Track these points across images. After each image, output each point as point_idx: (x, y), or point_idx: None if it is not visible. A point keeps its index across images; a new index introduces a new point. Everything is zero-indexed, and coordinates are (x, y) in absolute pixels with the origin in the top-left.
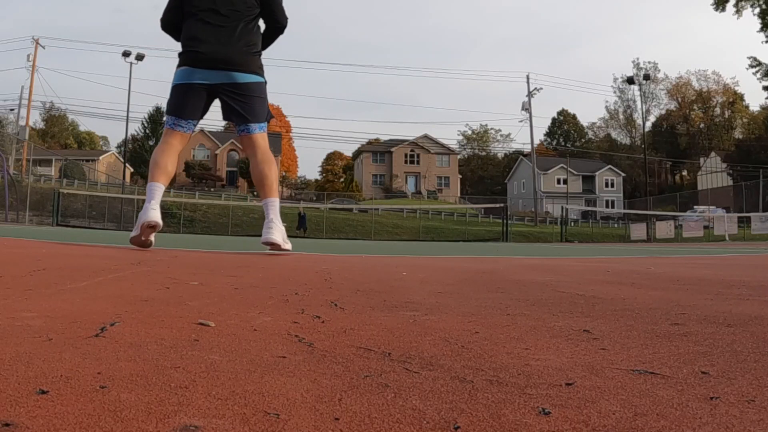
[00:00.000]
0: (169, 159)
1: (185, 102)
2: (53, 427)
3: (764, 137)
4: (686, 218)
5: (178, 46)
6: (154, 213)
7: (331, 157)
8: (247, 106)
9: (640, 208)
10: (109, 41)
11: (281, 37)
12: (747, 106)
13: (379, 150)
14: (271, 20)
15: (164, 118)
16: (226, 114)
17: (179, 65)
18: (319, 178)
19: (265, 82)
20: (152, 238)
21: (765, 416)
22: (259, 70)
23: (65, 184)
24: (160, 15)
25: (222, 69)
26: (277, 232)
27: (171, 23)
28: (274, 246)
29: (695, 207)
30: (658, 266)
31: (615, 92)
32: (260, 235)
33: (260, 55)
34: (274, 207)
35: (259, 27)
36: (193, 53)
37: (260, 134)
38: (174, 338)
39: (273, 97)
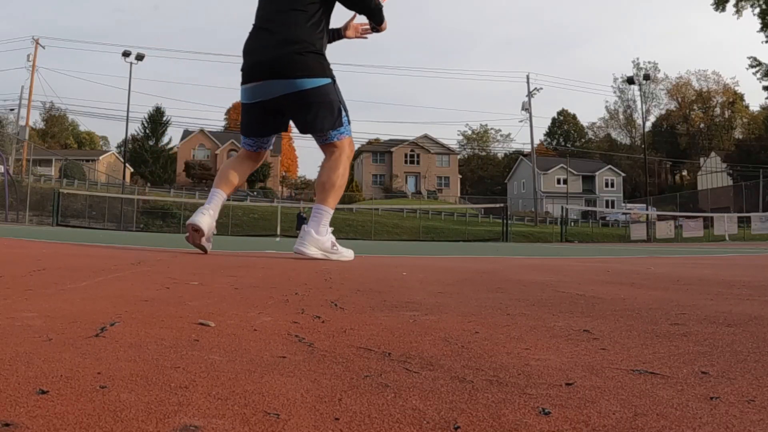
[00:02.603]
0: (234, 170)
1: (246, 120)
2: (53, 427)
3: (764, 137)
4: (613, 215)
5: (178, 46)
6: (198, 216)
7: None
8: (309, 116)
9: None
10: (109, 41)
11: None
12: (747, 106)
13: (379, 150)
14: (351, 3)
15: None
16: (298, 125)
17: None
18: None
19: (330, 82)
20: (205, 244)
21: (765, 416)
22: (315, 72)
23: (65, 184)
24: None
25: (268, 79)
26: (309, 242)
27: None
28: (306, 256)
29: (623, 205)
30: (658, 266)
31: (615, 92)
32: (261, 235)
33: (319, 53)
34: (319, 216)
35: (319, 21)
36: (242, 69)
37: (330, 143)
38: (174, 338)
39: None
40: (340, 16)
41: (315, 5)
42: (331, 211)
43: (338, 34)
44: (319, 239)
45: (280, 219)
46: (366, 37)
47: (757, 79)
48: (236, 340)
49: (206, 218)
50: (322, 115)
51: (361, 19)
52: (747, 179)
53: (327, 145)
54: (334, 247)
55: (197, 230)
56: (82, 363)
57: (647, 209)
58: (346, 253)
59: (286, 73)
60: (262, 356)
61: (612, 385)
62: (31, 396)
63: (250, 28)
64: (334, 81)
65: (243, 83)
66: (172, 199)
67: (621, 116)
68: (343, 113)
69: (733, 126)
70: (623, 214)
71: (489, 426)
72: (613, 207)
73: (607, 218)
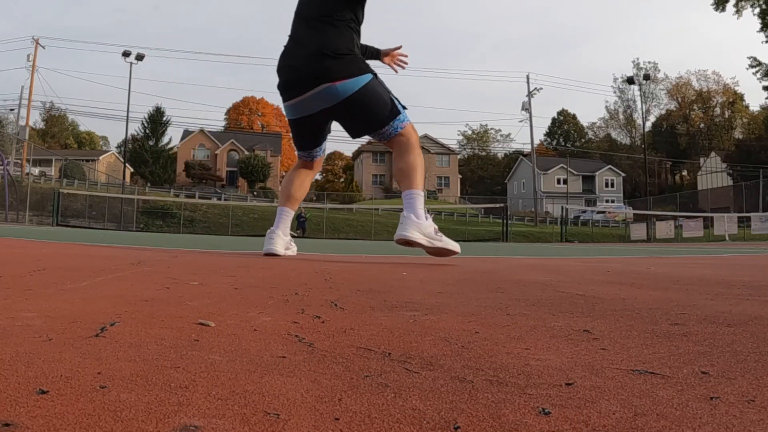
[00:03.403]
0: (294, 184)
1: (297, 135)
2: (53, 427)
3: (764, 137)
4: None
5: (178, 46)
6: (269, 244)
7: (331, 158)
8: (362, 117)
9: (640, 208)
10: (109, 41)
11: (282, 36)
12: (747, 106)
13: (379, 150)
14: None
15: None
16: (350, 131)
17: None
18: (319, 178)
19: (372, 77)
20: (287, 252)
21: (765, 416)
22: (354, 72)
23: (65, 184)
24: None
25: (309, 93)
26: (411, 227)
27: None
28: (412, 244)
29: (598, 203)
30: (658, 266)
31: (615, 92)
32: (261, 236)
33: (354, 54)
34: (413, 200)
35: (350, 28)
36: (279, 87)
37: (396, 136)
38: (174, 338)
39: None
40: (374, 28)
41: (345, 14)
42: (423, 193)
43: (376, 54)
44: (421, 223)
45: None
46: (400, 68)
47: (757, 79)
48: (236, 340)
49: (278, 241)
50: (376, 111)
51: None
52: (747, 179)
53: (393, 138)
54: (438, 234)
55: (274, 255)
56: (82, 363)
57: (625, 208)
58: (452, 244)
59: (326, 84)
60: (262, 356)
61: (612, 385)
62: (31, 396)
63: (248, 27)
64: (375, 75)
65: (285, 101)
66: (172, 199)
67: (621, 116)
68: (396, 102)
69: (733, 126)
70: (598, 213)
71: (489, 426)
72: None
73: (581, 217)
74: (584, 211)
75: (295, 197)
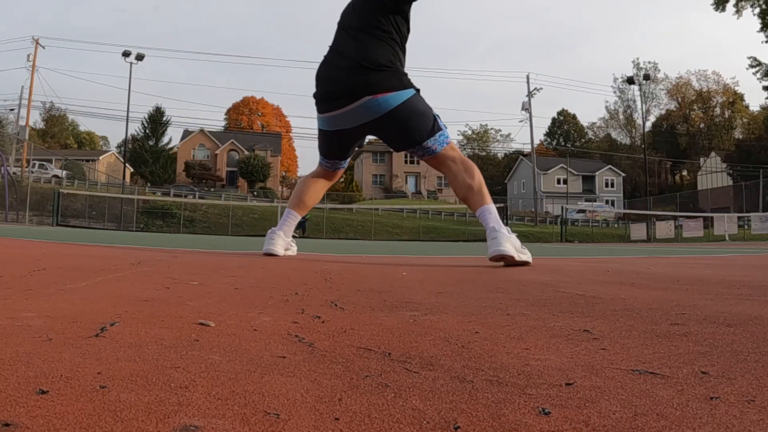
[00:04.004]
0: (309, 190)
1: (327, 146)
2: (53, 427)
3: (764, 137)
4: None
5: (178, 46)
6: (269, 244)
7: None
8: (402, 132)
9: (640, 208)
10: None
11: (282, 36)
12: (747, 106)
13: (379, 150)
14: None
15: None
16: (391, 145)
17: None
18: None
19: (415, 93)
20: (287, 253)
21: (765, 416)
22: (397, 87)
23: (65, 184)
24: None
25: (350, 106)
26: (506, 241)
27: None
28: (507, 259)
29: (581, 202)
30: (658, 266)
31: (615, 92)
32: (261, 236)
33: (397, 69)
34: (492, 215)
35: (394, 40)
36: (316, 97)
37: (442, 150)
38: (174, 338)
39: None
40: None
41: (387, 26)
42: (494, 207)
43: None
44: (511, 238)
45: (280, 219)
46: None
47: (757, 79)
48: (236, 340)
49: (279, 241)
50: (418, 126)
51: None
52: (747, 179)
53: (436, 156)
54: (523, 247)
55: (272, 255)
56: (82, 363)
57: (606, 207)
58: (529, 255)
59: (367, 97)
60: (262, 356)
61: (612, 385)
62: (31, 396)
63: (248, 27)
64: (418, 91)
65: (321, 112)
66: (172, 199)
67: (621, 116)
68: (438, 119)
69: (733, 126)
70: (578, 212)
71: (489, 426)
72: (613, 206)
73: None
74: (567, 210)
75: (306, 204)
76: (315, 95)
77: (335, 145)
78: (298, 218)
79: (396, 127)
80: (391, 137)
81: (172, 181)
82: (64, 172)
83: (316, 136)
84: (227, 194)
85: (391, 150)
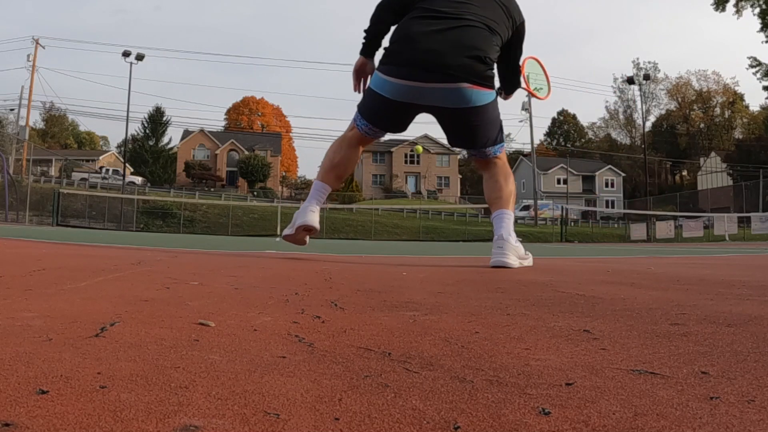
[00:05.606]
0: (343, 159)
1: (381, 113)
2: (53, 427)
3: (764, 137)
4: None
5: (178, 46)
6: (311, 216)
7: None
8: (473, 132)
9: (640, 208)
10: (109, 41)
11: (282, 36)
12: (747, 106)
13: (379, 150)
14: (512, 62)
15: (355, 113)
16: (450, 138)
17: (380, 65)
18: None
19: (496, 96)
20: (307, 238)
21: (765, 416)
22: (490, 85)
23: (65, 184)
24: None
25: (440, 84)
26: (511, 253)
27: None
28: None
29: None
30: (658, 266)
31: (615, 92)
32: (261, 236)
33: (494, 64)
34: (505, 222)
35: (497, 37)
36: (400, 60)
37: (494, 158)
38: (174, 338)
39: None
40: None
41: (502, 35)
42: (512, 215)
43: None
44: (518, 247)
45: (280, 219)
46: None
47: (757, 79)
48: (236, 340)
49: (316, 216)
50: (490, 131)
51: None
52: (747, 179)
53: (487, 159)
54: (527, 252)
55: (310, 230)
56: (82, 363)
57: (552, 205)
58: (530, 259)
59: (465, 84)
60: (262, 356)
61: (612, 385)
62: (31, 396)
63: (248, 27)
64: (497, 95)
65: (400, 77)
66: (172, 199)
67: (621, 116)
68: (502, 130)
69: (733, 126)
70: (522, 209)
71: (489, 426)
72: (613, 207)
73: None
74: (527, 208)
75: (339, 176)
76: (399, 56)
77: (393, 115)
78: (329, 191)
79: (468, 125)
80: (456, 131)
81: (172, 181)
82: (140, 179)
83: (364, 99)
84: (227, 194)
85: (387, 154)
